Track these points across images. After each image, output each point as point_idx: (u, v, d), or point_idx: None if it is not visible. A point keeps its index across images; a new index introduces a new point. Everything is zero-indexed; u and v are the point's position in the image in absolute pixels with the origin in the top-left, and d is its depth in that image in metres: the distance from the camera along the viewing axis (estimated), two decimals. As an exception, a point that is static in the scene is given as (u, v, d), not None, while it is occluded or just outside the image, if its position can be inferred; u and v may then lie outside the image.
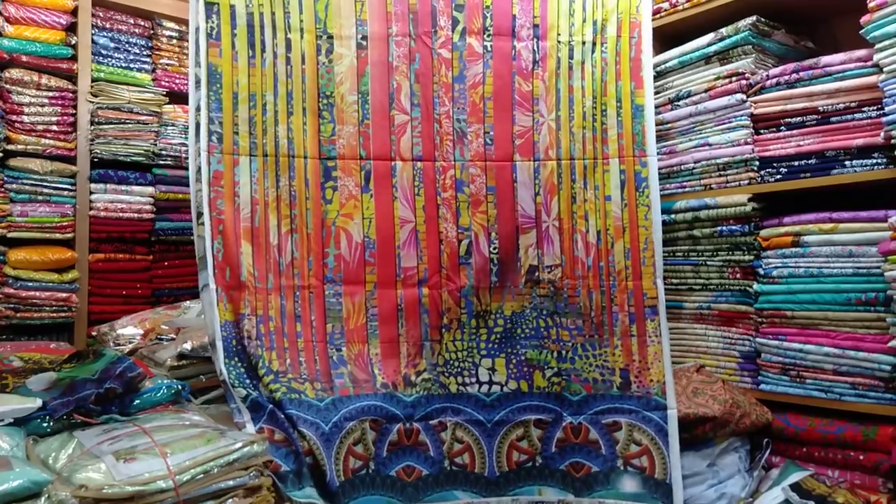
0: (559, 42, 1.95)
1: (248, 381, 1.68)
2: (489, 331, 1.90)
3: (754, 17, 2.08)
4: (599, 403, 1.86)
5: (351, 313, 1.84)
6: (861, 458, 1.81)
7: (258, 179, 1.78)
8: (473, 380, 1.87)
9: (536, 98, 1.94)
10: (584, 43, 1.95)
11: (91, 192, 2.70)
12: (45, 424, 1.42)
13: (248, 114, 1.78)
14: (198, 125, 1.73)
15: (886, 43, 1.75)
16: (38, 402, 1.44)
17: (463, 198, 1.91)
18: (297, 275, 1.80)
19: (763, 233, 2.03)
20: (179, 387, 1.66)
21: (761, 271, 2.03)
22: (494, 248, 1.91)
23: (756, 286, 2.04)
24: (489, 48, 1.93)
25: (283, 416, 1.64)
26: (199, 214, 1.72)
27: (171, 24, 2.96)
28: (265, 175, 1.79)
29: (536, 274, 1.92)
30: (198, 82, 1.74)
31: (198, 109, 1.74)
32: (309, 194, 1.83)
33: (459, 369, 1.87)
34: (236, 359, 1.70)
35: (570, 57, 1.95)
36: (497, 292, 1.91)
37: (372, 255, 1.86)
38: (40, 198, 2.59)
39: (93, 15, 2.74)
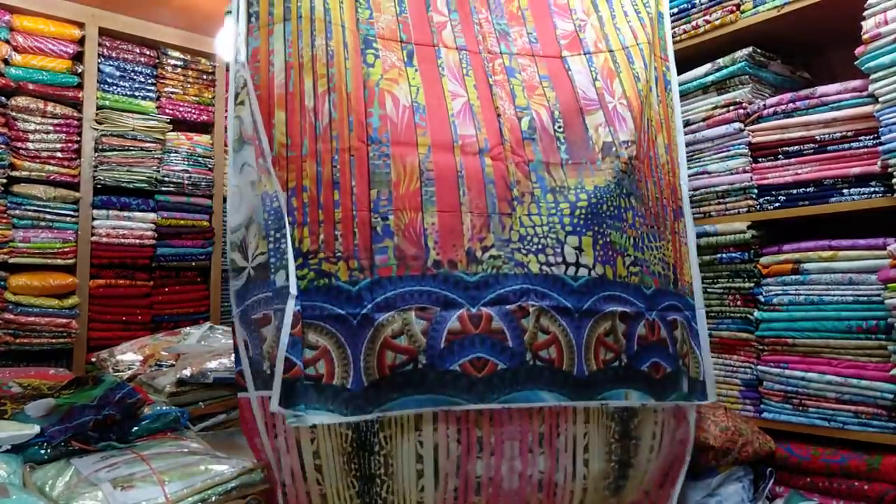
0: None
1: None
2: (571, 205, 1.63)
3: (750, 49, 2.11)
4: (665, 299, 1.70)
5: (402, 177, 1.55)
6: (865, 487, 1.79)
7: (292, 42, 1.56)
8: (560, 259, 1.58)
9: (573, 9, 1.86)
10: None
11: (93, 218, 2.72)
12: (42, 451, 1.40)
13: None
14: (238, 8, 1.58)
15: (881, 73, 1.77)
16: (36, 429, 1.43)
17: (516, 82, 1.71)
18: (336, 137, 1.53)
19: (763, 260, 2.04)
20: (178, 413, 1.65)
21: (762, 298, 2.03)
22: (559, 126, 1.69)
23: (757, 313, 2.04)
24: None
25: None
26: (237, 94, 1.57)
27: (177, 54, 3.01)
28: (299, 36, 1.57)
29: (614, 149, 1.70)
30: None
31: None
32: (348, 55, 1.59)
33: (541, 246, 1.59)
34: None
35: None
36: (572, 169, 1.67)
37: (423, 119, 1.60)
38: (42, 224, 2.60)
39: (99, 44, 2.78)
